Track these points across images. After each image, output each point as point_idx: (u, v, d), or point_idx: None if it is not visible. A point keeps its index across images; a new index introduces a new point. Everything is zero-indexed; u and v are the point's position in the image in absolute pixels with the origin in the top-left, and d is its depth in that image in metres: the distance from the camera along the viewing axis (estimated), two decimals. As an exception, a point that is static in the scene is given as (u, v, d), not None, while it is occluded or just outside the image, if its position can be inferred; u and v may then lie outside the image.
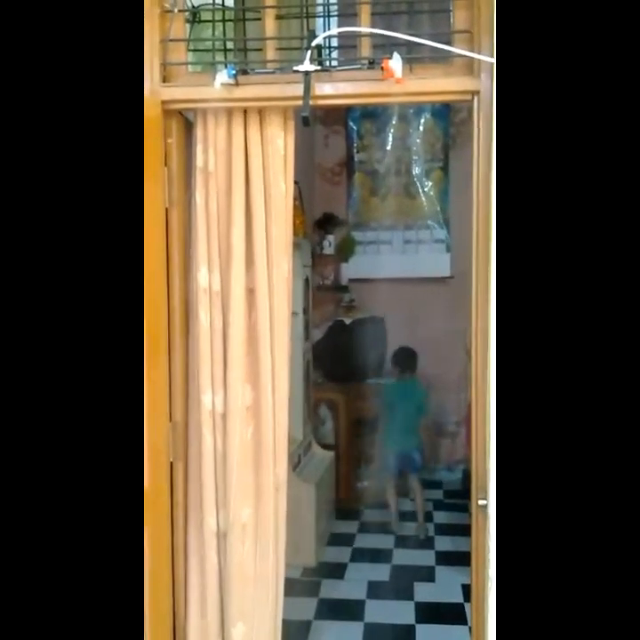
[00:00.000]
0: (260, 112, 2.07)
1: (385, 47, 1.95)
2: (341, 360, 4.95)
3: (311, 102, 1.90)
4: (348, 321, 5.22)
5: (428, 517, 4.71)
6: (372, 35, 1.99)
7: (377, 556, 4.17)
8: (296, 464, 3.99)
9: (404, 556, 4.16)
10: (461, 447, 5.21)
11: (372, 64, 1.95)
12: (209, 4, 2.17)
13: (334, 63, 2.08)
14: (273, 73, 2.02)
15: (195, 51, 2.21)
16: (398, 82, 1.88)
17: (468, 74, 1.96)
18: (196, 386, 2.16)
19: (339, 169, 5.64)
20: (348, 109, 5.41)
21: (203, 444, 2.14)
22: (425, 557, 4.12)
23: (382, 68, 1.88)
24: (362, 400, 4.98)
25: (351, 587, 3.81)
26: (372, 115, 5.51)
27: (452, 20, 2.02)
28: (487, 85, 1.89)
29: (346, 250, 5.45)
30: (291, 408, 2.23)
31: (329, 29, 2.05)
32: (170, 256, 2.14)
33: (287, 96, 1.99)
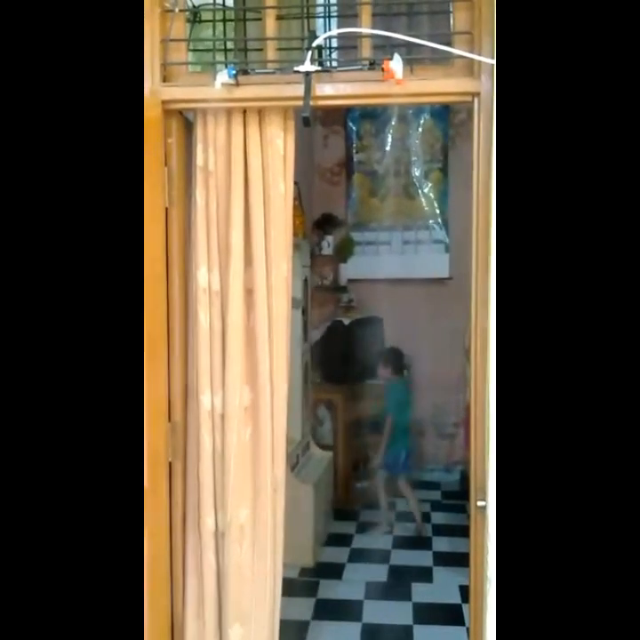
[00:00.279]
0: (260, 112, 2.07)
1: (385, 48, 1.95)
2: (340, 360, 4.94)
3: (311, 103, 1.90)
4: (346, 321, 5.22)
5: (426, 518, 4.71)
6: (372, 35, 1.99)
7: (375, 556, 4.17)
8: (294, 464, 3.99)
9: (401, 557, 4.16)
10: (459, 448, 5.21)
11: (373, 65, 1.95)
12: (209, 3, 2.17)
13: (335, 64, 2.08)
14: (273, 73, 2.02)
15: (195, 50, 2.21)
16: (399, 83, 1.88)
17: (469, 75, 1.96)
18: (194, 386, 2.16)
19: (338, 169, 5.64)
20: (348, 110, 5.41)
21: (201, 444, 2.13)
22: (422, 558, 4.12)
23: (383, 69, 1.88)
24: (360, 400, 4.98)
25: (349, 587, 3.80)
26: (372, 115, 5.51)
27: (452, 22, 2.02)
28: (487, 87, 1.89)
29: (345, 250, 5.45)
30: (289, 408, 2.22)
31: (329, 30, 2.05)
32: (169, 255, 2.14)
33: (287, 96, 1.99)
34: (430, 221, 5.51)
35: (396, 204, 5.52)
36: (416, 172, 5.51)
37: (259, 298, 2.11)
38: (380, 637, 3.32)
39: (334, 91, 1.99)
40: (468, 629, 2.21)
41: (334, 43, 2.14)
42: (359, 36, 2.01)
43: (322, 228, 5.31)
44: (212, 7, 2.16)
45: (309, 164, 5.44)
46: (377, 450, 4.60)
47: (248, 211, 2.09)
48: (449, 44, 1.95)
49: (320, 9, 2.20)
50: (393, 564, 4.07)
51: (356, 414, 4.98)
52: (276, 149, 2.08)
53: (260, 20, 2.10)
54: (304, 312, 4.44)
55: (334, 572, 3.99)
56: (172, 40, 2.06)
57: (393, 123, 5.47)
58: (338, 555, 4.20)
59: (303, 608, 3.54)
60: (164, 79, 2.07)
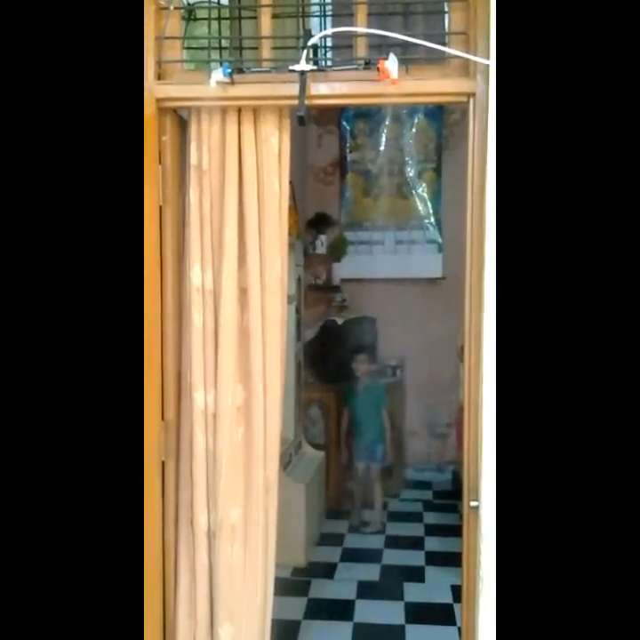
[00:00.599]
0: (255, 111, 2.06)
1: (381, 48, 1.95)
2: (333, 360, 4.94)
3: (306, 102, 1.89)
4: (339, 321, 5.23)
5: (418, 518, 4.72)
6: (367, 35, 1.99)
7: (367, 556, 4.17)
8: (286, 464, 3.99)
9: (393, 557, 4.16)
10: (452, 448, 5.22)
11: (368, 64, 1.95)
12: (205, 1, 2.16)
13: (330, 63, 2.08)
14: (268, 72, 2.02)
15: (190, 48, 2.20)
16: (394, 82, 1.88)
17: (464, 75, 1.96)
18: (188, 385, 2.15)
19: (331, 169, 5.64)
20: (342, 109, 5.41)
21: (194, 443, 2.13)
22: (414, 558, 4.13)
23: (378, 69, 1.88)
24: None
25: (341, 587, 3.81)
26: (366, 115, 5.51)
27: (447, 22, 2.02)
28: (483, 87, 1.89)
29: (338, 250, 5.45)
30: (282, 408, 2.22)
31: (325, 29, 2.05)
32: (163, 254, 2.13)
33: (282, 95, 1.99)
34: (424, 221, 5.51)
35: (389, 204, 5.53)
36: (410, 172, 5.51)
37: (252, 297, 2.10)
38: (372, 637, 3.33)
39: (329, 90, 1.99)
40: (459, 629, 2.22)
41: (329, 42, 2.13)
42: (354, 35, 2.01)
43: (315, 228, 5.31)
44: (207, 5, 2.15)
45: (303, 163, 5.44)
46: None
47: (242, 209, 2.09)
48: (444, 44, 1.95)
49: (315, 8, 2.19)
50: (385, 564, 4.08)
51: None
52: (271, 148, 2.07)
53: (255, 18, 2.09)
54: (297, 311, 4.44)
55: (326, 571, 3.99)
56: (166, 38, 2.05)
57: (387, 122, 5.47)
58: (330, 554, 4.20)
59: (295, 607, 3.54)
60: (159, 77, 2.06)
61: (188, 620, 2.18)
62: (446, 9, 2.04)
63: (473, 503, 1.95)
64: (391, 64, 1.85)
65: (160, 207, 2.11)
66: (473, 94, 1.94)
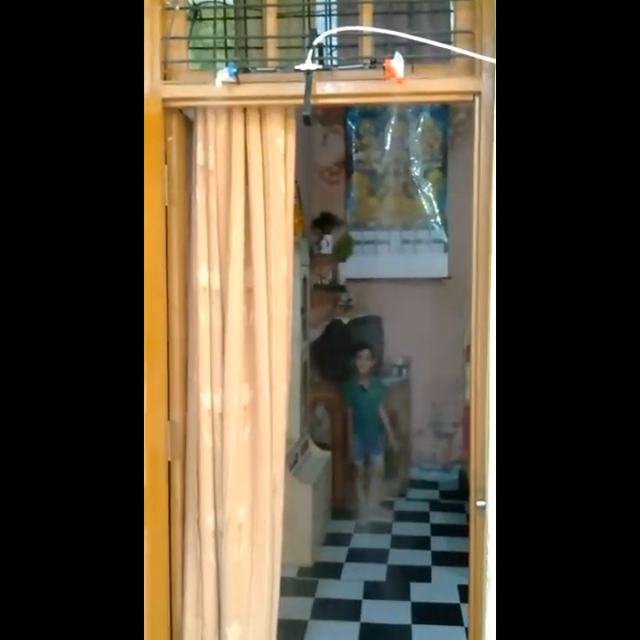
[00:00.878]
0: (261, 110, 2.06)
1: (386, 47, 1.94)
2: (339, 360, 4.94)
3: (312, 101, 1.89)
4: (345, 320, 5.22)
5: (425, 518, 4.71)
6: (373, 34, 1.99)
7: (373, 556, 4.17)
8: (293, 463, 3.99)
9: (400, 557, 4.16)
10: (458, 448, 5.22)
11: (374, 63, 1.95)
12: (210, 1, 2.16)
13: (335, 62, 2.07)
14: (274, 71, 2.02)
15: (195, 48, 2.20)
16: (399, 82, 1.87)
17: (470, 74, 1.96)
18: (194, 385, 2.15)
19: (337, 168, 5.64)
20: (347, 109, 5.40)
21: (201, 443, 2.13)
22: (421, 558, 4.12)
23: (384, 68, 1.87)
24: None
25: (347, 587, 3.80)
26: (371, 114, 5.50)
27: (453, 20, 2.02)
28: (488, 86, 1.89)
29: (344, 249, 5.45)
30: (288, 407, 2.22)
31: (330, 28, 2.04)
32: (169, 254, 2.14)
33: (288, 95, 1.99)
34: (429, 221, 5.50)
35: (395, 204, 5.52)
36: (415, 172, 5.50)
37: (258, 297, 2.10)
38: (379, 637, 3.32)
39: (335, 89, 1.99)
40: (466, 629, 2.21)
41: (335, 41, 2.13)
42: (360, 34, 2.01)
43: (321, 228, 5.31)
44: (212, 5, 2.15)
45: (309, 163, 5.44)
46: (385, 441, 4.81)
47: (248, 209, 2.09)
48: (450, 42, 1.95)
49: (321, 7, 2.19)
50: (391, 564, 4.07)
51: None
52: (277, 148, 2.07)
53: (260, 18, 2.09)
54: (303, 311, 4.44)
55: (333, 571, 3.99)
56: (172, 38, 2.05)
57: (392, 122, 5.46)
58: (336, 554, 4.20)
59: (301, 607, 3.53)
60: (165, 77, 2.07)
61: (195, 619, 2.18)
62: (452, 8, 2.03)
63: (479, 503, 1.94)
64: (397, 63, 1.85)
65: (166, 207, 2.11)
66: (479, 93, 1.93)
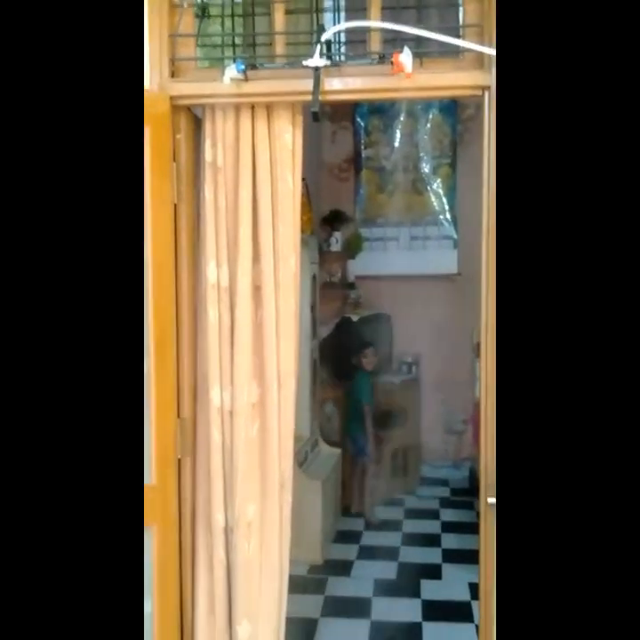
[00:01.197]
0: (269, 107, 2.06)
1: (395, 42, 1.94)
2: (348, 357, 4.93)
3: (320, 97, 1.88)
4: (354, 318, 5.21)
5: (435, 515, 4.70)
6: (381, 29, 1.98)
7: (383, 553, 4.16)
8: (302, 461, 3.99)
9: (410, 554, 4.15)
10: (468, 445, 5.20)
11: (382, 59, 1.94)
12: (218, -2, 2.16)
13: (344, 58, 2.07)
14: (282, 68, 2.01)
15: (203, 46, 2.20)
16: (408, 76, 1.86)
17: (479, 68, 1.95)
18: (204, 382, 2.15)
19: (346, 165, 5.63)
20: (356, 105, 5.39)
21: (211, 440, 2.13)
22: (432, 555, 4.11)
23: (392, 63, 1.87)
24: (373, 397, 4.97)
25: (357, 584, 3.80)
26: (380, 111, 5.48)
27: (462, 14, 2.01)
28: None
29: (353, 247, 5.44)
30: (298, 405, 2.22)
31: (338, 24, 2.03)
32: (178, 252, 2.13)
33: (296, 91, 1.98)
34: (439, 217, 5.48)
35: (404, 200, 5.50)
36: (424, 168, 5.48)
37: (266, 294, 2.10)
38: (389, 634, 3.32)
39: (343, 85, 1.98)
40: (477, 626, 2.21)
41: (343, 37, 2.12)
42: (368, 29, 2.00)
43: (330, 225, 5.30)
44: (220, 2, 2.15)
45: (317, 160, 5.43)
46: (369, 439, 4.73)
47: (256, 206, 2.09)
48: (458, 36, 1.94)
49: (329, 3, 2.18)
50: (402, 561, 4.06)
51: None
52: (285, 144, 2.07)
53: (268, 14, 2.09)
54: (313, 308, 4.44)
55: (343, 569, 3.98)
56: (180, 35, 2.05)
57: (401, 118, 5.44)
58: (346, 552, 4.19)
59: (312, 605, 3.53)
60: (173, 75, 2.07)
61: (207, 617, 2.18)
62: (460, 1, 2.02)
63: (490, 500, 1.94)
64: (405, 58, 1.84)
65: (175, 205, 2.11)
66: (488, 87, 1.92)
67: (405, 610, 3.51)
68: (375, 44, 2.00)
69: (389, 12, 2.04)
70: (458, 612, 3.45)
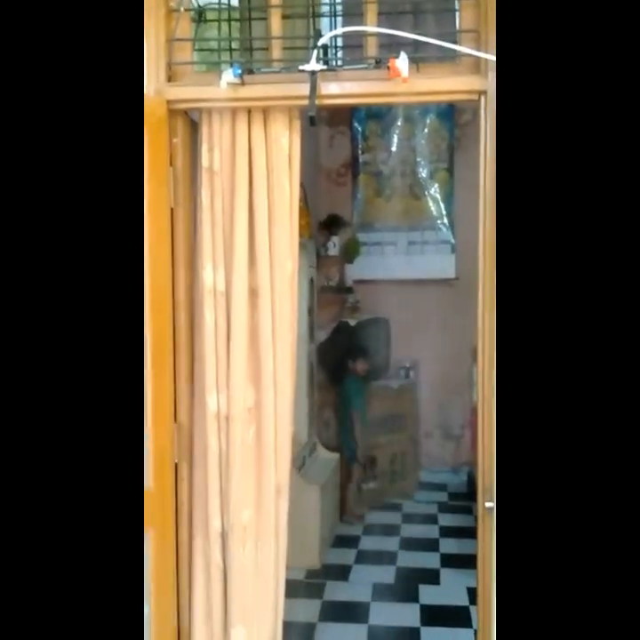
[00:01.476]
0: (265, 111, 2.06)
1: (391, 47, 1.94)
2: (346, 362, 4.93)
3: (317, 102, 1.89)
4: (352, 322, 5.21)
5: (433, 520, 4.69)
6: (378, 34, 1.98)
7: (382, 558, 4.15)
8: (301, 466, 3.98)
9: (408, 559, 4.14)
10: (466, 449, 5.20)
11: (379, 63, 1.94)
12: (215, 3, 2.16)
13: (340, 63, 2.07)
14: (279, 72, 2.02)
15: (200, 50, 2.20)
16: (404, 81, 1.87)
17: (476, 73, 1.95)
18: (201, 387, 2.15)
19: (343, 170, 5.63)
20: (353, 110, 5.39)
21: (208, 445, 2.13)
22: (430, 560, 4.10)
23: (388, 68, 1.87)
24: (364, 403, 4.96)
25: (356, 589, 3.79)
26: (377, 116, 5.49)
27: (458, 20, 2.01)
28: (494, 85, 1.88)
29: (351, 251, 5.44)
30: (295, 410, 2.22)
31: (335, 29, 2.04)
32: (175, 256, 2.13)
33: (293, 95, 1.98)
34: (436, 222, 5.49)
35: (402, 205, 5.51)
36: (422, 173, 5.49)
37: (263, 298, 2.10)
38: (387, 639, 3.31)
39: (340, 89, 1.99)
40: (475, 632, 2.20)
41: (340, 42, 2.13)
42: (365, 34, 2.01)
43: (328, 229, 5.30)
44: (217, 7, 2.15)
45: (315, 164, 5.43)
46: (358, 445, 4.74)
47: (252, 211, 2.09)
48: (455, 42, 1.94)
49: (325, 8, 2.19)
50: (400, 566, 4.05)
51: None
52: (281, 149, 2.07)
53: (265, 19, 2.09)
54: (310, 313, 4.43)
55: (341, 573, 3.97)
56: (177, 40, 2.06)
57: (399, 123, 5.45)
58: (344, 556, 4.18)
59: (310, 610, 3.52)
60: (170, 79, 2.07)
61: (204, 621, 2.17)
62: (457, 7, 2.03)
63: (488, 504, 1.93)
64: (402, 63, 1.85)
65: (171, 209, 2.11)
66: (484, 92, 1.92)
67: (404, 615, 3.50)
68: (372, 49, 2.01)
69: (386, 17, 2.05)
70: (456, 616, 3.44)
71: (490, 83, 1.90)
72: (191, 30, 2.11)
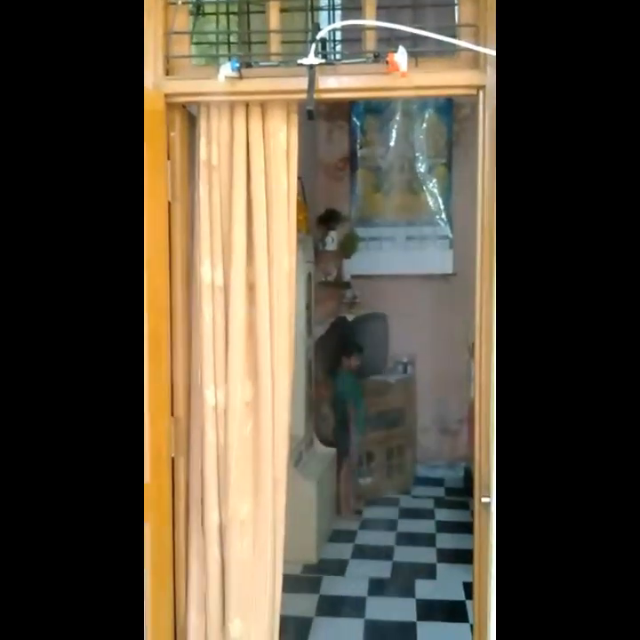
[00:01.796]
0: (263, 105, 2.05)
1: (390, 41, 1.93)
2: (343, 357, 4.93)
3: (315, 96, 1.88)
4: (350, 317, 5.21)
5: (430, 515, 4.70)
6: (376, 28, 1.98)
7: (378, 553, 4.16)
8: (297, 460, 3.98)
9: (405, 554, 4.15)
10: (463, 445, 5.21)
11: (377, 58, 1.94)
12: (213, -4, 2.15)
13: (339, 57, 2.06)
14: (277, 66, 2.01)
15: (198, 44, 2.19)
16: (403, 75, 1.86)
17: (474, 68, 1.95)
18: (198, 381, 2.15)
19: (342, 165, 5.62)
20: (352, 105, 5.38)
21: (205, 439, 2.13)
22: (426, 555, 4.11)
23: (387, 62, 1.86)
24: (359, 398, 4.97)
25: (352, 584, 3.80)
26: (376, 110, 5.48)
27: (457, 14, 2.00)
28: (493, 79, 1.87)
29: (348, 246, 5.43)
30: (292, 404, 2.21)
31: (333, 22, 2.03)
32: (172, 251, 2.13)
33: (291, 89, 1.97)
34: (434, 217, 5.49)
35: (400, 200, 5.50)
36: (420, 168, 5.48)
37: (260, 293, 2.10)
38: (384, 634, 3.32)
39: (338, 84, 1.98)
40: (471, 626, 2.21)
41: (338, 35, 2.12)
42: (363, 28, 2.00)
43: (325, 224, 5.29)
44: (215, 0, 2.14)
45: (313, 159, 5.42)
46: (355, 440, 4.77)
47: (250, 205, 2.08)
48: (454, 36, 1.93)
49: (324, 1, 2.18)
50: (396, 561, 4.06)
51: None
52: (280, 143, 2.06)
53: (263, 12, 2.08)
54: (308, 308, 4.43)
55: (337, 568, 3.98)
56: (175, 33, 2.05)
57: (397, 118, 5.44)
58: (341, 551, 4.19)
59: (306, 604, 3.53)
60: (167, 72, 2.06)
61: (199, 615, 2.18)
62: (456, 1, 2.02)
63: (484, 499, 1.94)
64: (400, 57, 1.84)
65: (169, 203, 2.11)
66: (483, 87, 1.92)
67: (400, 609, 3.51)
68: (370, 43, 2.00)
69: (385, 11, 2.04)
70: (452, 611, 3.45)
71: (489, 77, 1.89)
72: (189, 23, 2.10)
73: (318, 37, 1.89)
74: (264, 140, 2.06)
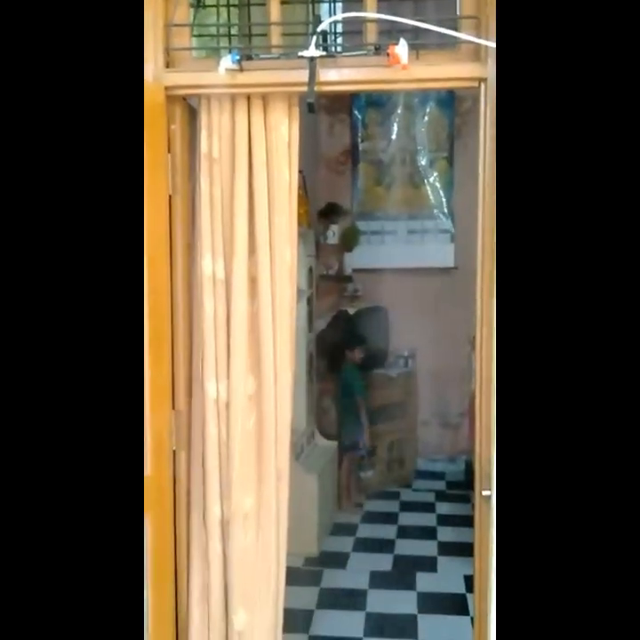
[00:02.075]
0: (264, 98, 2.05)
1: (391, 33, 1.93)
2: (345, 350, 4.93)
3: (316, 88, 1.87)
4: (351, 311, 5.21)
5: (431, 508, 4.71)
6: (377, 20, 1.97)
7: (379, 545, 4.17)
8: (299, 454, 3.99)
9: (406, 547, 4.16)
10: (464, 438, 5.21)
11: (378, 50, 1.93)
12: (213, -12, 2.15)
13: (339, 49, 2.05)
14: (277, 58, 2.00)
15: (199, 36, 2.19)
16: (404, 68, 1.86)
17: (475, 60, 1.94)
18: (199, 374, 2.15)
19: (343, 158, 5.61)
20: (353, 98, 5.36)
21: (206, 432, 2.13)
22: (427, 548, 4.12)
23: (388, 55, 1.86)
24: (365, 390, 4.97)
25: (353, 576, 3.81)
26: (377, 104, 5.46)
27: (458, 6, 2.00)
28: (494, 72, 1.87)
29: (350, 240, 5.42)
30: (294, 398, 2.22)
31: (334, 15, 2.02)
32: (173, 244, 2.13)
33: (292, 82, 1.97)
34: (436, 211, 5.47)
35: (401, 194, 5.49)
36: (422, 161, 5.46)
37: (262, 286, 2.10)
38: (384, 626, 3.33)
39: (339, 76, 1.97)
40: (472, 619, 2.21)
41: (339, 28, 2.11)
42: (364, 20, 1.99)
43: (327, 218, 5.28)
44: (215, -8, 2.14)
45: (315, 153, 5.41)
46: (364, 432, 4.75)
47: (252, 198, 2.08)
48: (455, 28, 1.93)
49: (325, -6, 2.17)
50: (397, 554, 4.07)
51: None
52: (281, 136, 2.06)
53: (264, 4, 2.08)
54: (309, 301, 4.43)
55: (339, 561, 3.99)
56: (175, 25, 2.04)
57: (398, 111, 5.42)
58: (342, 544, 4.20)
59: (307, 597, 3.54)
60: (168, 65, 2.05)
61: (201, 607, 2.19)
62: (457, -7, 2.01)
63: (485, 492, 1.94)
64: (401, 49, 1.84)
65: (170, 196, 2.10)
66: (484, 79, 1.91)
67: (401, 602, 3.52)
68: (371, 36, 1.99)
69: (386, 3, 2.03)
70: (453, 604, 3.46)
71: (490, 70, 1.89)
72: (190, 16, 2.09)
73: (319, 30, 1.89)
74: (265, 133, 2.05)
